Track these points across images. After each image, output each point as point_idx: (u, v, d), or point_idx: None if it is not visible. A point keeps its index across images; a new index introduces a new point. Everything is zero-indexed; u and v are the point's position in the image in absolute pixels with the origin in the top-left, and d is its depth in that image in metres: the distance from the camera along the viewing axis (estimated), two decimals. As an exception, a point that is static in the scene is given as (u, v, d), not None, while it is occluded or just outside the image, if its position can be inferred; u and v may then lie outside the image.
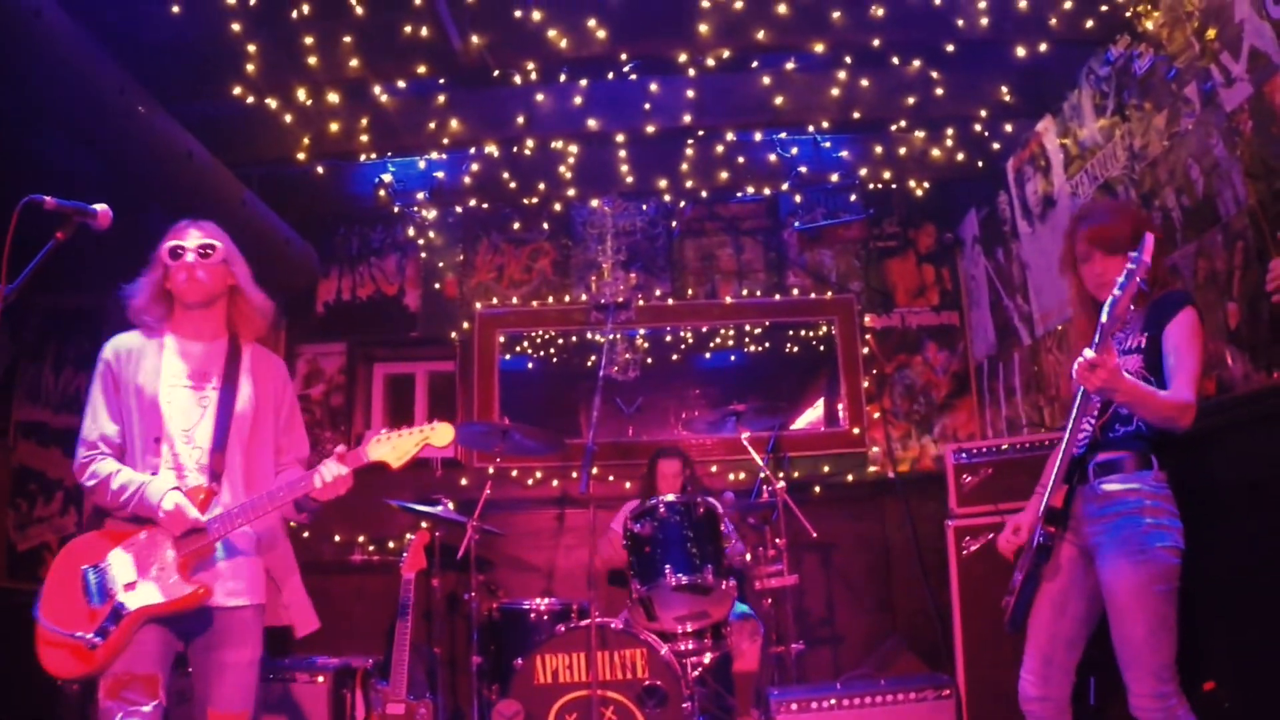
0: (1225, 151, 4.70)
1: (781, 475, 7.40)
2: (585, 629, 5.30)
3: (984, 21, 5.71)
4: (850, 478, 7.75)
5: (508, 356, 8.06)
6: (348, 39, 5.67)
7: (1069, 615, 3.67)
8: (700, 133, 7.24)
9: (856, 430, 7.91)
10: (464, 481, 7.65)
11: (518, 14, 5.63)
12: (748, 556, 6.33)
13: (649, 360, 8.00)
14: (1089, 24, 5.58)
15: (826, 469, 7.77)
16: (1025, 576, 3.68)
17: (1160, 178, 5.25)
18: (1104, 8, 5.47)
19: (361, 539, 7.47)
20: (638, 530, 5.56)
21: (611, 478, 7.60)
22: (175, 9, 5.27)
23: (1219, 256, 4.76)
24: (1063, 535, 3.63)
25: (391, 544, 7.42)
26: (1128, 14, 5.35)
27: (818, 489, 7.59)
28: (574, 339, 8.18)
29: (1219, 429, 4.60)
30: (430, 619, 6.66)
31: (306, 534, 7.24)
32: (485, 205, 7.96)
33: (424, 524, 6.11)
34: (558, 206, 8.08)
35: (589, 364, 8.03)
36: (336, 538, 7.52)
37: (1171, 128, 5.11)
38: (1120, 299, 3.04)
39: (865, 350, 8.07)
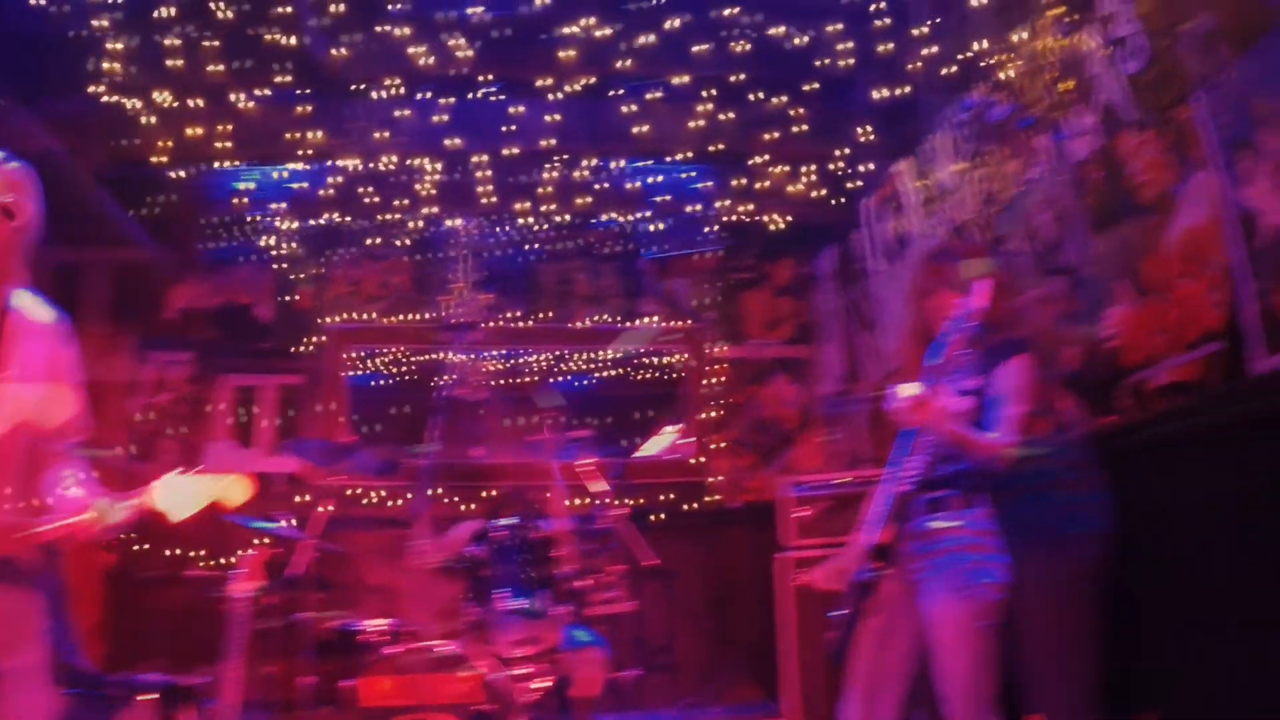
0: (1073, 201, 4.83)
1: (624, 502, 7.32)
2: (418, 651, 5.13)
3: (845, 63, 5.80)
4: (693, 506, 7.73)
5: (360, 372, 7.87)
6: (212, 43, 5.48)
7: (893, 650, 3.68)
8: (561, 157, 7.20)
9: (701, 460, 7.90)
10: (305, 497, 7.42)
11: (382, 29, 5.52)
12: (586, 582, 6.24)
13: (501, 382, 7.89)
14: (949, 71, 5.71)
15: (671, 497, 7.74)
16: (850, 611, 3.67)
17: (1010, 225, 5.37)
18: (964, 56, 5.59)
19: (196, 554, 7.19)
20: (474, 553, 5.45)
21: (455, 499, 7.45)
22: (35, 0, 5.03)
23: (1062, 302, 4.88)
24: (888, 571, 3.63)
25: (229, 559, 7.13)
26: (987, 63, 5.49)
27: (660, 516, 7.55)
28: (428, 357, 8.04)
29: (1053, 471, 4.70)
30: (265, 638, 6.40)
31: (137, 546, 6.93)
32: (344, 219, 7.80)
33: (262, 540, 5.88)
34: (417, 224, 7.96)
35: (440, 382, 7.87)
36: (168, 551, 7.21)
37: (1024, 175, 5.24)
38: (951, 341, 3.05)
39: (714, 381, 8.07)
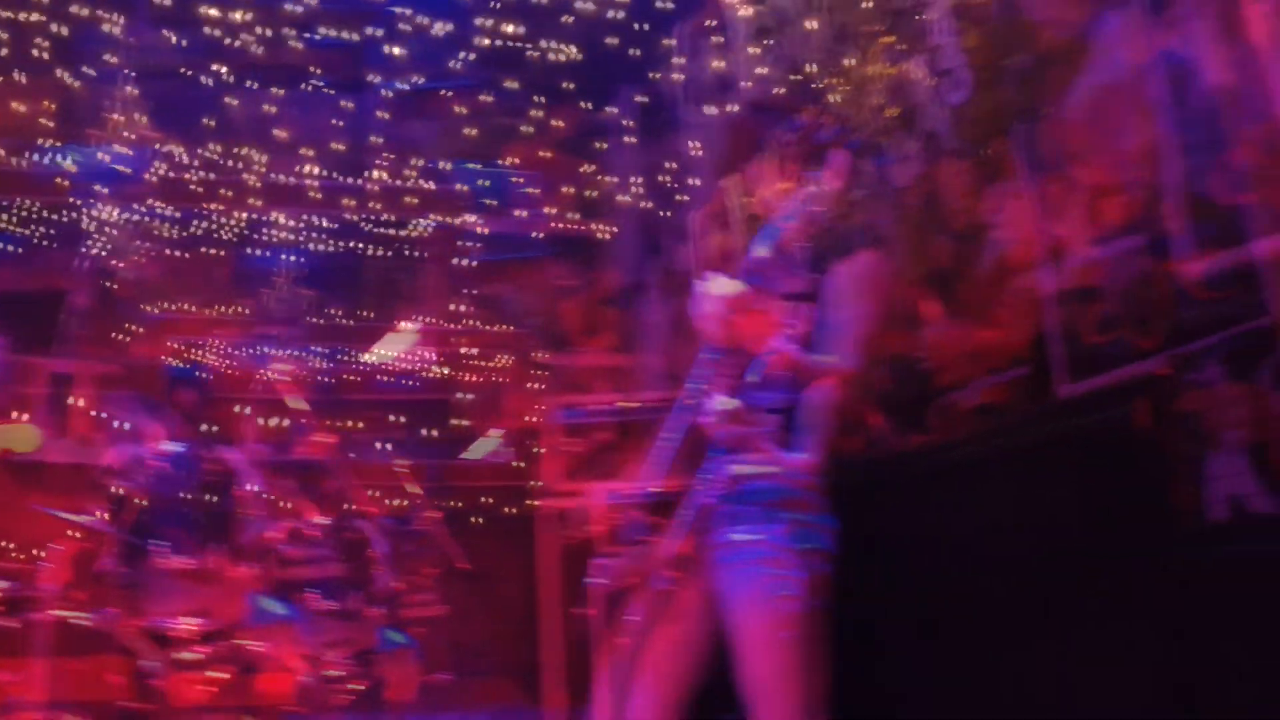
0: (892, 225, 4.97)
1: (441, 504, 7.25)
2: (229, 650, 4.96)
3: (675, 77, 5.86)
4: (510, 510, 7.69)
5: (178, 363, 7.56)
6: (36, 18, 5.22)
7: (684, 663, 3.70)
8: (390, 155, 7.08)
9: (521, 464, 7.85)
10: (118, 489, 7.07)
11: (212, 11, 5.36)
12: (400, 585, 6.17)
13: (322, 380, 7.69)
14: (779, 91, 5.81)
15: (490, 500, 7.68)
16: (643, 620, 3.68)
17: (830, 243, 5.48)
18: (795, 77, 5.71)
19: (3, 546, 6.83)
20: (287, 552, 5.33)
21: (269, 495, 7.14)
22: None
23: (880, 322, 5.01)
24: (686, 581, 3.64)
25: (36, 553, 6.77)
26: (817, 86, 5.61)
27: (477, 519, 7.48)
28: (249, 350, 7.77)
29: (850, 488, 4.82)
30: (72, 634, 6.10)
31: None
32: (167, 207, 7.51)
33: (72, 533, 5.62)
34: (242, 216, 7.71)
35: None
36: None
37: (846, 196, 5.35)
38: (771, 358, 3.03)
39: (537, 387, 8.03)
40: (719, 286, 2.94)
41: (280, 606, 5.40)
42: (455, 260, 8.10)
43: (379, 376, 7.99)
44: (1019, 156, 4.11)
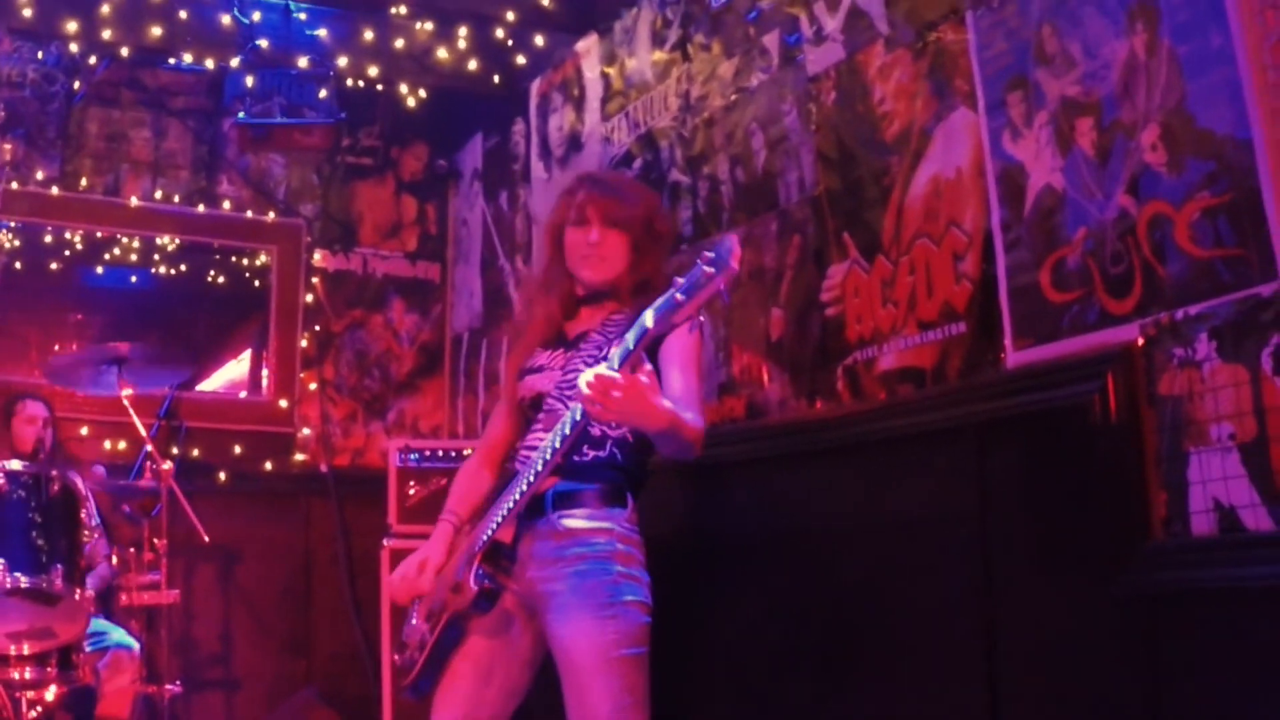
0: (799, 123, 4.97)
1: (175, 452, 7.09)
2: None
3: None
4: (269, 466, 7.56)
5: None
6: None
7: (495, 684, 3.70)
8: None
9: (285, 403, 7.71)
10: None
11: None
12: (114, 560, 6.06)
13: (15, 265, 7.41)
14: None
15: (239, 450, 7.52)
16: (443, 628, 3.68)
17: (715, 140, 5.48)
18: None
19: None
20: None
21: None
22: None
23: (769, 250, 5.03)
24: (501, 582, 3.65)
25: None
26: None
27: (223, 476, 7.34)
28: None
29: (742, 462, 4.90)
30: None
31: None
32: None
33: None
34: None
35: None
36: None
37: (740, 81, 5.34)
38: (681, 305, 3.00)
39: (310, 297, 7.90)
40: (597, 371, 3.11)
41: (120, 632, 5.87)
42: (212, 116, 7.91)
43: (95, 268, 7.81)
44: (973, 52, 4.12)
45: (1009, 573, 3.81)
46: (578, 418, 3.28)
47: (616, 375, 3.06)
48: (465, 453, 5.47)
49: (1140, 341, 3.43)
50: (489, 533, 3.57)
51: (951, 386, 4.07)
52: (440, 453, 5.51)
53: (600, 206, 3.77)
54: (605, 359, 3.39)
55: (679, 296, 2.93)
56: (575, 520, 3.59)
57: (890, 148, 4.47)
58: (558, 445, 3.36)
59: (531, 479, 3.46)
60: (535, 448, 3.56)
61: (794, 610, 4.57)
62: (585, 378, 3.10)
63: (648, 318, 3.01)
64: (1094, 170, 3.64)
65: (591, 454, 3.65)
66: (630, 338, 3.08)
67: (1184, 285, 3.33)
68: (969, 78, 4.14)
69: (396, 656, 3.90)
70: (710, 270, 2.87)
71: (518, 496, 3.50)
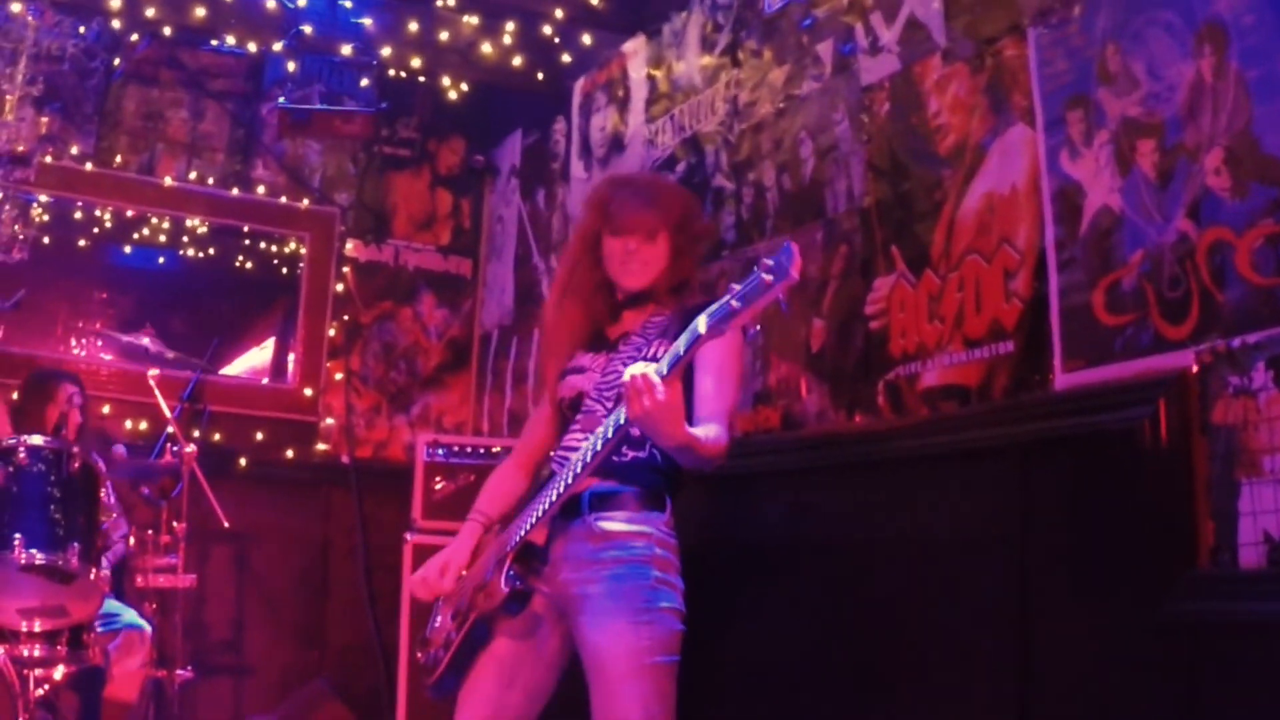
0: (850, 133, 4.95)
1: (197, 434, 7.09)
2: None
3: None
4: (291, 454, 7.57)
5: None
6: None
7: (520, 687, 3.68)
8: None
9: (309, 391, 7.73)
10: None
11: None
12: (131, 540, 6.06)
13: (46, 240, 7.43)
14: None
15: (260, 436, 7.54)
16: (469, 628, 3.66)
17: (762, 146, 5.46)
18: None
19: None
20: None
21: None
22: None
23: (814, 259, 5.01)
24: (532, 583, 3.62)
25: None
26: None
27: (244, 461, 7.35)
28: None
29: (776, 473, 4.88)
30: None
31: None
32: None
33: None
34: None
35: None
36: None
37: (791, 88, 5.33)
38: (737, 312, 2.97)
39: (340, 287, 7.92)
40: (638, 370, 3.10)
41: (132, 614, 5.85)
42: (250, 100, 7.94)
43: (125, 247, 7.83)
44: (1033, 67, 4.11)
45: (1048, 596, 3.77)
46: (622, 420, 3.25)
47: (658, 384, 3.05)
48: (494, 450, 5.46)
49: (1195, 368, 3.40)
50: (522, 533, 3.55)
51: (996, 405, 4.05)
52: (469, 449, 5.49)
53: (637, 213, 3.74)
54: (645, 359, 3.40)
55: (735, 304, 2.90)
56: (613, 523, 3.56)
57: (943, 161, 4.46)
58: (599, 446, 3.33)
59: (570, 479, 3.43)
60: (573, 448, 3.53)
61: (824, 626, 4.54)
62: (634, 369, 3.09)
63: (701, 323, 2.98)
64: (1154, 192, 3.62)
65: (631, 454, 3.62)
66: (682, 343, 3.06)
67: (1243, 312, 3.30)
68: (1028, 94, 4.12)
69: (420, 654, 3.86)
70: (769, 278, 2.84)
71: (555, 497, 3.46)
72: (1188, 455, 3.39)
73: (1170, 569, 3.37)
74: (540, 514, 3.50)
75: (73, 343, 7.74)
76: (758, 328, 3.03)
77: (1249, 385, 3.26)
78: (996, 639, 3.90)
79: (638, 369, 3.08)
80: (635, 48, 6.62)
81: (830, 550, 4.58)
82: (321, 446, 7.68)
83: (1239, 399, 3.28)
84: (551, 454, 3.83)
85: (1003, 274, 4.12)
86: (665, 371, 3.07)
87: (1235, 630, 3.21)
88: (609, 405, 3.52)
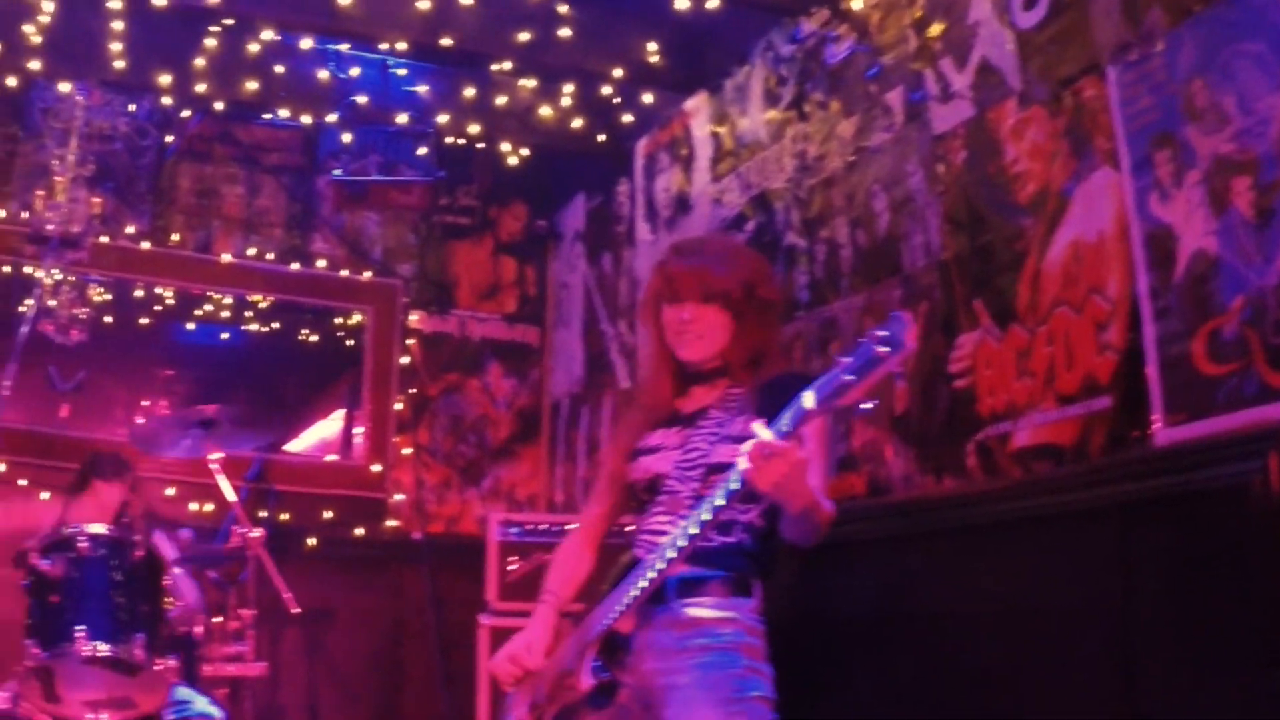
0: (924, 184, 4.87)
1: (263, 515, 7.07)
2: None
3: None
4: (360, 531, 7.54)
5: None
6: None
7: None
8: (230, 21, 6.87)
9: (377, 468, 7.71)
10: None
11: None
12: (201, 627, 6.01)
13: (105, 320, 7.48)
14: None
15: (329, 514, 7.52)
16: None
17: (834, 202, 5.40)
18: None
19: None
20: (45, 568, 5.16)
21: (23, 481, 7.06)
22: None
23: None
24: (618, 673, 3.53)
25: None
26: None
27: (312, 541, 7.32)
28: (4, 270, 7.55)
29: (863, 541, 4.77)
30: None
31: None
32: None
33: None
34: (11, 81, 7.43)
35: (21, 310, 7.44)
36: None
37: (861, 140, 5.26)
38: (849, 386, 2.87)
39: (405, 360, 7.90)
40: (763, 434, 2.98)
41: (204, 701, 5.66)
42: (306, 173, 7.97)
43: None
44: (1114, 108, 4.01)
45: (1154, 666, 3.65)
46: (720, 502, 3.15)
47: (789, 447, 2.95)
48: (567, 528, 5.39)
49: (1306, 418, 3.28)
50: (606, 622, 3.45)
51: (1094, 464, 3.94)
52: (542, 527, 5.44)
53: (690, 280, 3.63)
54: (729, 437, 3.32)
55: (847, 377, 2.80)
56: (700, 609, 3.45)
57: (1025, 210, 4.37)
58: (694, 531, 3.23)
59: (662, 565, 3.33)
60: (658, 531, 3.44)
61: (916, 701, 4.43)
62: (746, 448, 2.99)
63: (808, 399, 2.88)
64: (1252, 233, 3.50)
65: (719, 540, 3.51)
66: (786, 421, 2.95)
67: (1355, 358, 3.19)
68: (1111, 135, 4.03)
69: None
70: (884, 349, 2.74)
71: (645, 584, 3.36)
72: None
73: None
74: (628, 602, 3.40)
75: (136, 423, 7.75)
76: (875, 403, 2.91)
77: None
78: (1102, 713, 3.76)
79: (762, 434, 2.98)
80: (697, 105, 6.59)
81: (921, 620, 4.48)
82: (392, 523, 7.64)
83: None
84: (631, 536, 3.72)
85: (1094, 326, 4.01)
86: (789, 429, 2.96)
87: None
88: (694, 485, 3.42)
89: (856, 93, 5.32)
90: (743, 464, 2.99)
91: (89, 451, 6.66)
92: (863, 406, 2.88)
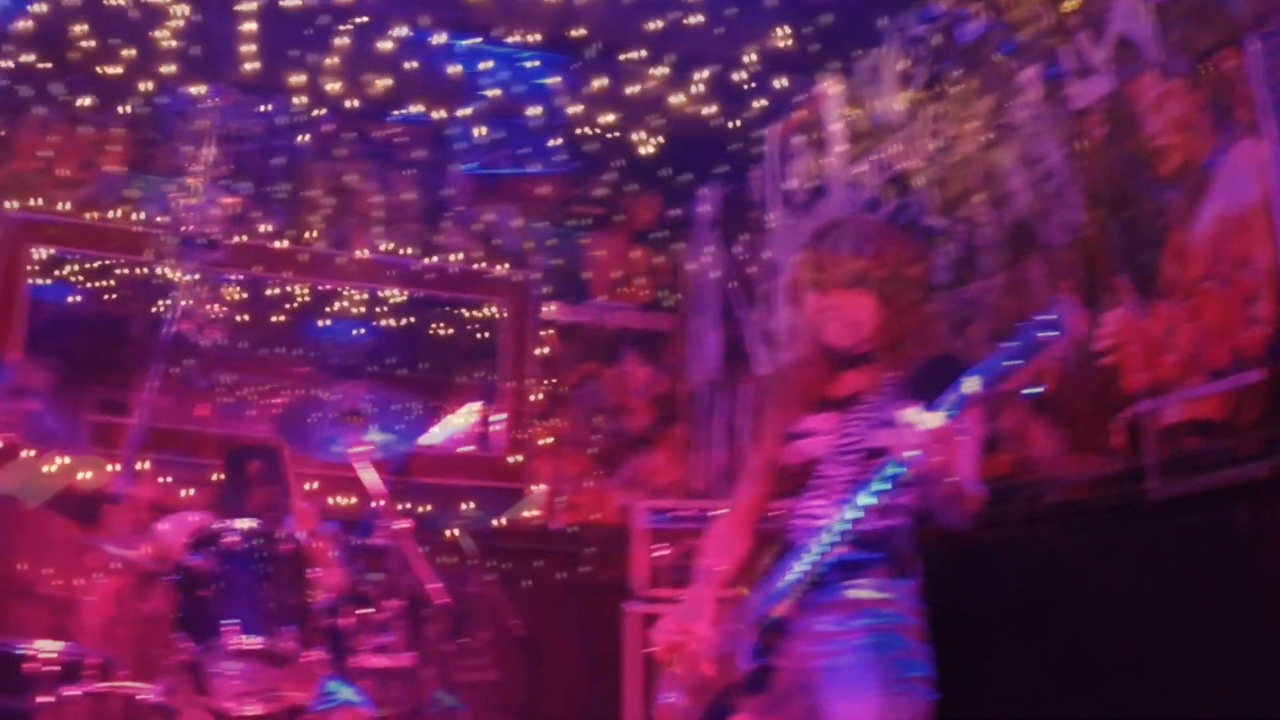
0: (1063, 161, 4.84)
1: (406, 507, 7.17)
2: (104, 696, 4.98)
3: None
4: (500, 522, 7.62)
5: (45, 281, 7.62)
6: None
7: None
8: (361, 19, 6.98)
9: (516, 459, 7.78)
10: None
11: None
12: (350, 619, 6.11)
13: (242, 319, 7.63)
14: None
15: (470, 506, 7.61)
16: (708, 707, 3.58)
17: (971, 181, 5.37)
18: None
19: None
20: (195, 564, 5.26)
21: (168, 479, 7.18)
22: None
23: (1035, 296, 4.90)
24: (781, 657, 3.54)
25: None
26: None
27: (454, 533, 7.40)
28: (142, 272, 7.74)
29: (1009, 523, 4.74)
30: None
31: None
32: (44, 65, 7.44)
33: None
34: (147, 86, 7.61)
35: (157, 311, 7.60)
36: None
37: (998, 118, 5.23)
38: (1015, 371, 2.88)
39: (542, 351, 7.97)
40: (919, 418, 3.00)
41: (350, 691, 5.76)
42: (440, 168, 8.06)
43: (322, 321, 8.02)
44: (1254, 78, 3.96)
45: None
46: (883, 486, 3.16)
47: (944, 428, 2.97)
48: (712, 513, 5.42)
49: None
50: (766, 605, 3.48)
51: (1248, 440, 3.87)
52: (687, 513, 5.45)
53: (833, 266, 3.63)
54: (883, 421, 3.33)
55: (1011, 363, 2.81)
56: (862, 591, 3.45)
57: (1167, 184, 4.32)
58: (858, 515, 3.25)
59: (824, 549, 3.35)
60: (813, 515, 3.45)
61: (1067, 685, 4.38)
62: (909, 433, 3.01)
63: (971, 384, 2.89)
64: (1406, 201, 3.44)
65: (879, 522, 3.52)
66: (950, 406, 2.97)
67: None
68: (1252, 107, 3.97)
69: None
70: (1049, 334, 2.74)
71: (805, 568, 3.38)
72: None
73: None
74: (789, 586, 3.42)
75: (277, 418, 7.90)
76: (1042, 388, 2.92)
77: None
78: (1260, 698, 3.71)
79: (926, 419, 3.00)
80: (830, 89, 6.57)
81: (1071, 602, 4.44)
82: (531, 513, 7.70)
83: None
84: (783, 520, 3.73)
85: (1241, 300, 3.96)
86: (954, 414, 2.98)
87: None
88: (851, 469, 3.43)
89: (991, 71, 5.29)
90: (906, 448, 3.02)
91: (232, 447, 6.79)
92: (1026, 391, 2.89)
